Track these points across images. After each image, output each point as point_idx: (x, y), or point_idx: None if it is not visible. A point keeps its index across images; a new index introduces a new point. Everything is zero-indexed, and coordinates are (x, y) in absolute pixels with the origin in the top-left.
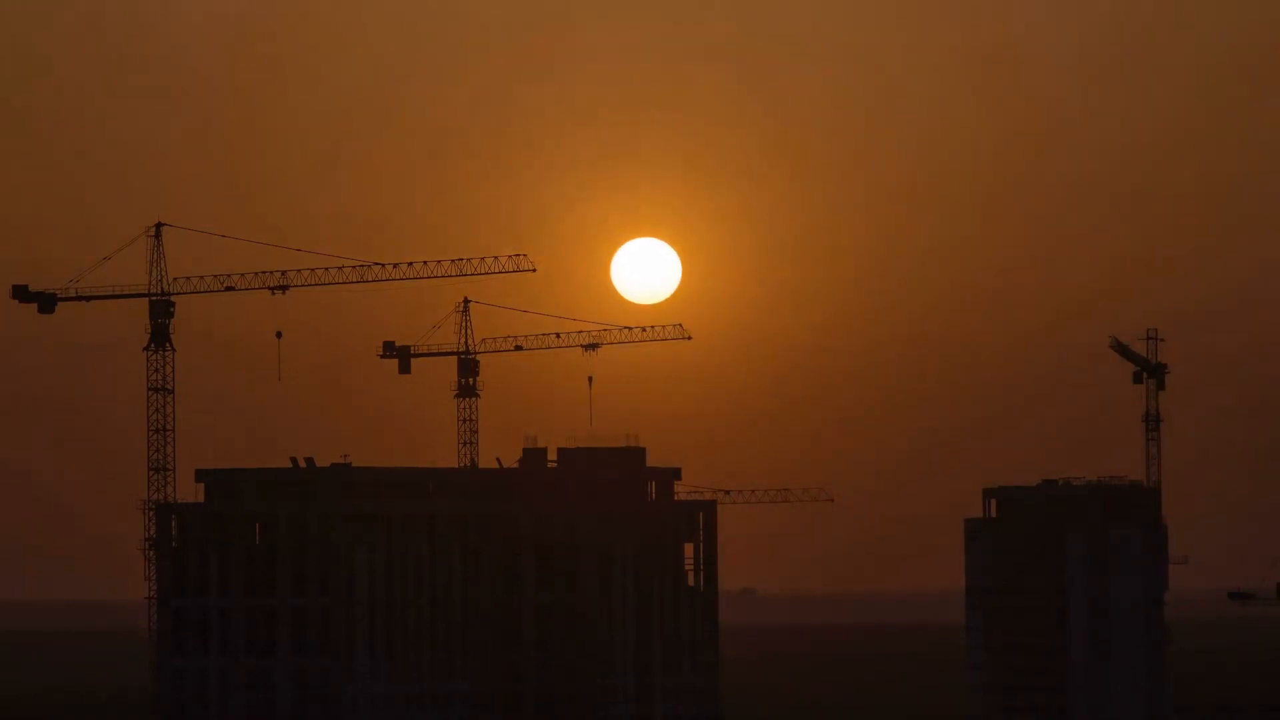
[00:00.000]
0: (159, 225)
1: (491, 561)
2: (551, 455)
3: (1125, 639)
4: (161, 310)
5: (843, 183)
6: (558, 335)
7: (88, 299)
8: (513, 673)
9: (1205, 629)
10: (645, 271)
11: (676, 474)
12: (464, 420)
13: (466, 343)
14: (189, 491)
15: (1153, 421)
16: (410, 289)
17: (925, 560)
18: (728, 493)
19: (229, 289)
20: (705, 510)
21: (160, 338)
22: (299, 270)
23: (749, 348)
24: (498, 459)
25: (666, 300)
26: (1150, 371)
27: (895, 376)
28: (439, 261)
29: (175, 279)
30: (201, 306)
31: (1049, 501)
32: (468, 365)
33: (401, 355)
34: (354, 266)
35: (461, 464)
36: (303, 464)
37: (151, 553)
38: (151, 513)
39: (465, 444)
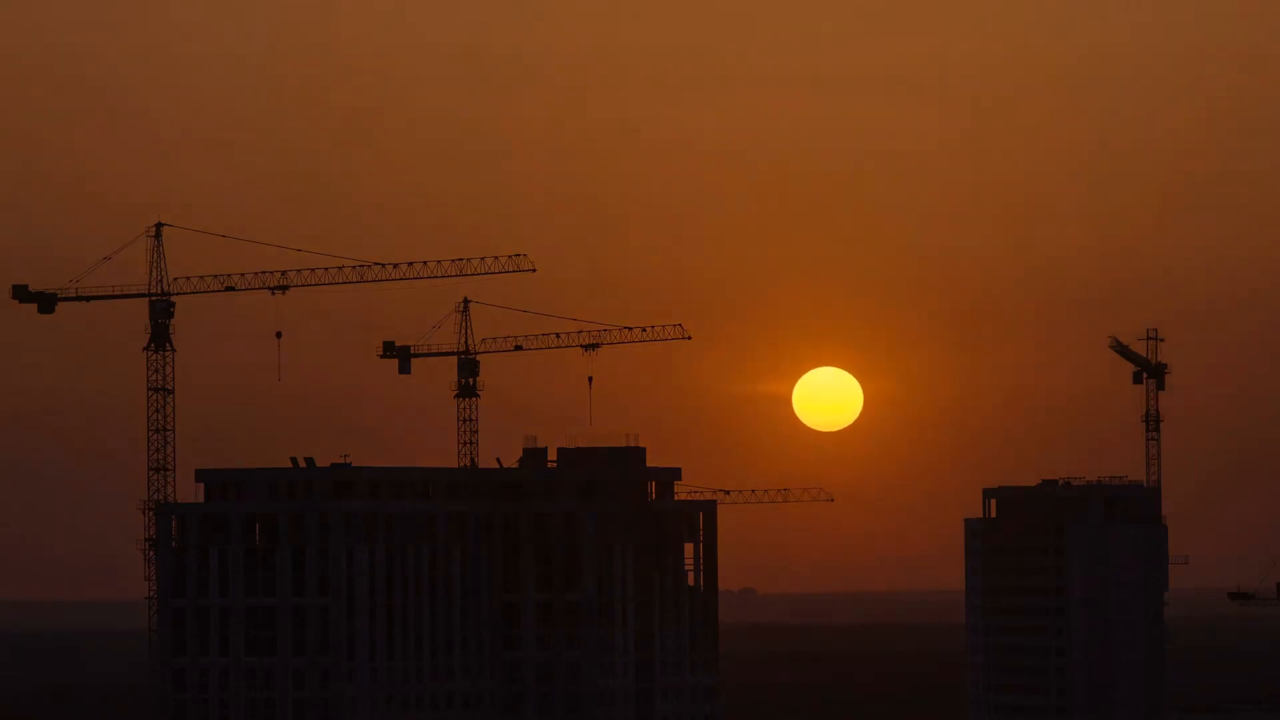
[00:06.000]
0: (159, 225)
1: (491, 561)
2: (551, 455)
3: (1125, 639)
4: (161, 310)
5: (842, 176)
6: (558, 335)
7: (88, 299)
8: (513, 673)
9: (1205, 629)
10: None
11: (676, 474)
12: (464, 420)
13: (466, 343)
14: (189, 491)
15: (1153, 421)
16: (410, 289)
17: (925, 560)
18: (728, 493)
19: (229, 289)
20: (705, 510)
21: (160, 338)
22: (299, 270)
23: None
24: (498, 459)
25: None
26: (1150, 371)
27: (895, 375)
28: (439, 261)
29: (175, 279)
30: (201, 306)
31: (1049, 501)
32: (468, 365)
33: (401, 355)
34: (354, 266)
35: (461, 464)
36: (303, 464)
37: (151, 553)
38: (151, 513)
39: (465, 444)
